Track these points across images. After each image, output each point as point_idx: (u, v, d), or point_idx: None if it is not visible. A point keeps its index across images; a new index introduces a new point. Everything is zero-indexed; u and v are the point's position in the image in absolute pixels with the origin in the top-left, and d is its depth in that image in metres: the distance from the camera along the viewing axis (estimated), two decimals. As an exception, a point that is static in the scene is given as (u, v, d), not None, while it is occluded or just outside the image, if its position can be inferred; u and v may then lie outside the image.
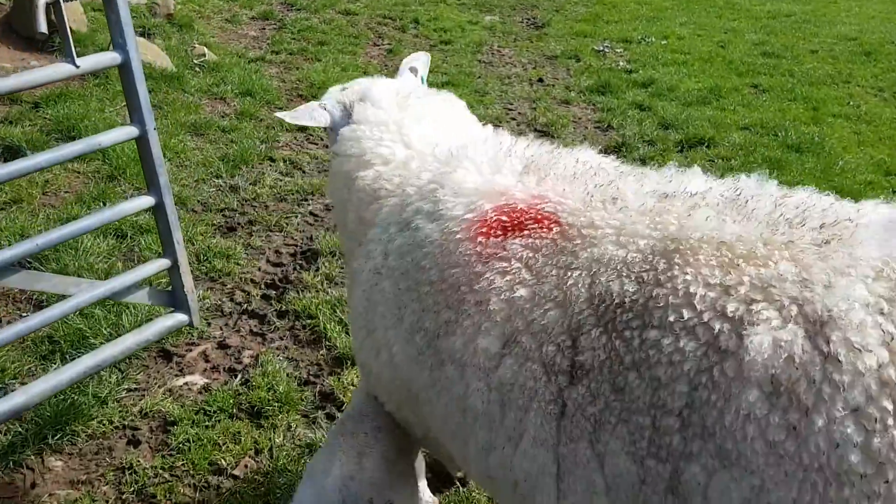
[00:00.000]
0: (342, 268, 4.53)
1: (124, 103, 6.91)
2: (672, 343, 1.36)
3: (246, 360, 3.71)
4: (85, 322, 3.74)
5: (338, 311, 4.03)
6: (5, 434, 3.17)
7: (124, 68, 2.71)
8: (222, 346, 3.81)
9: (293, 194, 5.58)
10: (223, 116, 6.98)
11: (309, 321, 4.01)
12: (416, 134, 2.29)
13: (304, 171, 6.06)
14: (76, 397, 3.32)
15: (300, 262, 4.66)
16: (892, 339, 1.20)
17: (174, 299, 3.16)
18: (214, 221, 5.11)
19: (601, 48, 10.13)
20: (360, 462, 2.13)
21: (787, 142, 7.00)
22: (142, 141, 2.83)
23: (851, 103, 8.41)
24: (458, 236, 1.77)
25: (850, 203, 1.49)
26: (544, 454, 1.55)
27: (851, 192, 6.04)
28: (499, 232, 1.71)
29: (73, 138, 6.17)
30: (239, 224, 5.10)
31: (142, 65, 2.74)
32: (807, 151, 6.82)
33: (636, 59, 9.71)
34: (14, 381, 3.51)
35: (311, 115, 2.53)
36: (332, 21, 10.34)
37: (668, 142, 6.90)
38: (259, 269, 4.56)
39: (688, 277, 1.39)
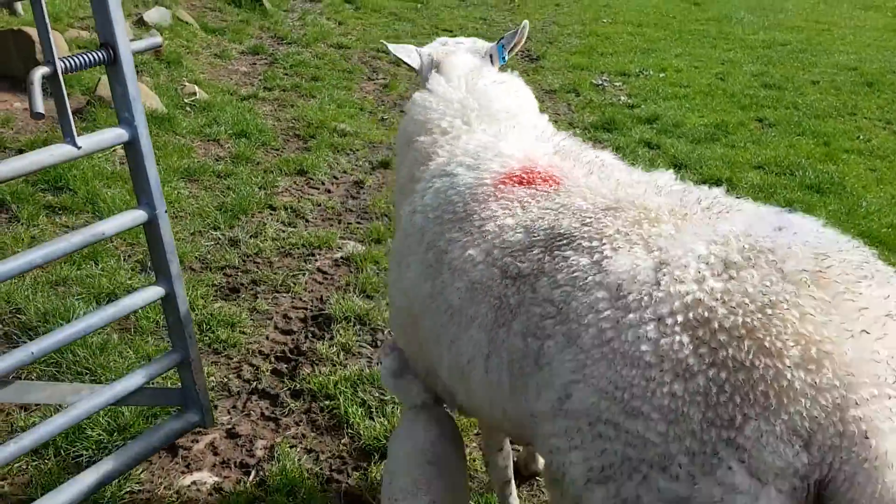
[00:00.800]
0: (359, 335, 4.19)
1: (114, 149, 6.57)
2: (576, 258, 1.86)
3: (259, 453, 3.34)
4: (79, 411, 3.36)
5: (359, 390, 3.68)
6: (-10, 551, 2.78)
7: (131, 147, 2.38)
8: (231, 434, 3.44)
9: (298, 248, 5.24)
10: (218, 160, 6.64)
11: (327, 402, 3.65)
12: (475, 115, 2.71)
13: (307, 221, 5.72)
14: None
15: (312, 328, 4.31)
16: (704, 279, 1.62)
17: (184, 397, 2.80)
18: (215, 282, 4.75)
19: (600, 82, 9.92)
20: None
21: (806, 182, 6.77)
22: (151, 226, 2.49)
23: (861, 137, 8.22)
24: (486, 181, 2.28)
25: (760, 205, 1.96)
26: (483, 336, 2.04)
27: (879, 237, 5.80)
28: (515, 183, 2.24)
29: (60, 189, 5.80)
30: (242, 284, 4.74)
31: (151, 142, 2.41)
32: (828, 192, 6.59)
33: (636, 93, 9.50)
34: (3, 483, 3.13)
35: (409, 54, 3.07)
36: (325, 55, 10.06)
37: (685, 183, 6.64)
38: (267, 339, 4.19)
39: (608, 223, 1.90)
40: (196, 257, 5.03)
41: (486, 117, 2.69)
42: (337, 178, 6.57)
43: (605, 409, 1.63)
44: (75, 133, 2.24)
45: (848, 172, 7.03)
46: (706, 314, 1.56)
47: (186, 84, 8.12)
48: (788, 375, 1.46)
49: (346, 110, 8.22)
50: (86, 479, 2.45)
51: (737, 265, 1.64)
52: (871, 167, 7.34)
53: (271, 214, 5.77)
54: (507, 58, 3.11)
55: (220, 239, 5.31)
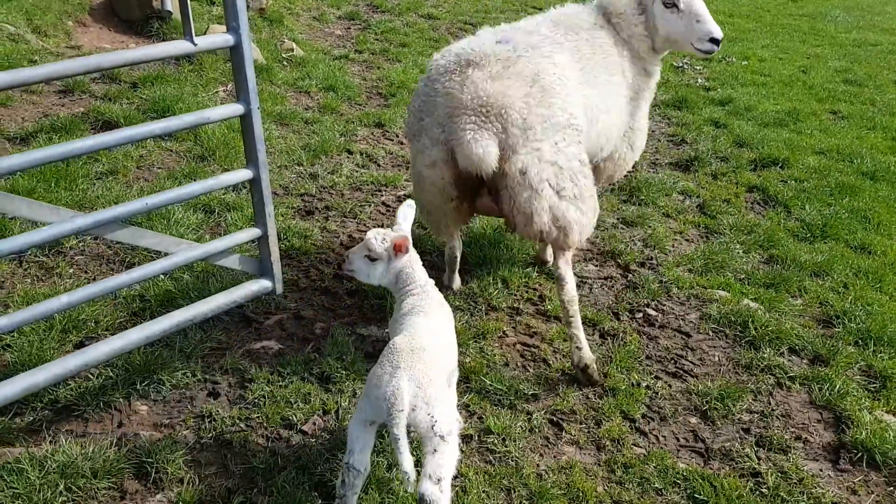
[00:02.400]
0: (411, 255, 4.77)
1: (216, 90, 7.35)
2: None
3: (318, 332, 3.96)
4: (174, 285, 4.05)
5: (405, 293, 4.25)
6: (97, 377, 3.47)
7: (236, 50, 2.98)
8: (297, 317, 4.07)
9: (368, 185, 5.84)
10: (307, 109, 7.32)
11: (377, 301, 4.24)
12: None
13: (378, 165, 6.32)
14: (163, 350, 3.61)
15: (372, 247, 4.91)
16: (445, 57, 3.70)
17: (261, 267, 3.42)
18: (294, 205, 5.40)
19: (680, 64, 10.15)
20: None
21: (863, 168, 6.93)
22: (246, 118, 3.09)
23: (934, 135, 8.23)
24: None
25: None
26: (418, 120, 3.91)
27: (926, 223, 5.97)
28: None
29: (167, 118, 6.56)
30: (316, 209, 5.38)
31: (252, 49, 3.00)
32: (881, 179, 6.75)
33: (715, 77, 9.71)
34: (106, 333, 3.83)
35: None
36: (415, 24, 10.63)
37: (742, 159, 6.91)
38: (333, 251, 4.81)
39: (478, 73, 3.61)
40: (280, 185, 5.69)
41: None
42: (412, 132, 7.14)
43: (417, 117, 3.73)
44: (193, 33, 2.85)
45: (908, 164, 7.14)
46: (432, 73, 3.66)
47: (285, 41, 8.83)
48: (439, 99, 3.54)
49: (429, 75, 8.78)
50: (177, 316, 3.09)
51: (460, 55, 3.61)
52: (936, 162, 7.40)
53: (348, 157, 6.39)
54: None
55: (302, 173, 5.96)
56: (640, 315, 4.37)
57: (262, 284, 3.39)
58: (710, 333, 4.25)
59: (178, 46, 2.86)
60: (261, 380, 3.51)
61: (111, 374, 3.49)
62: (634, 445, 3.36)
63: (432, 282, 3.13)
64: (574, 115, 3.64)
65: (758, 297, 4.56)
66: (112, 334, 3.77)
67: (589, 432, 3.43)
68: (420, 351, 2.66)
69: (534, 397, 3.59)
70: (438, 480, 2.48)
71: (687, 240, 5.47)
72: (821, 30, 13.26)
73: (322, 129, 6.80)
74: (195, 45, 2.86)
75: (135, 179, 5.53)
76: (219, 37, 2.96)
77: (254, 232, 3.31)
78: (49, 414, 3.29)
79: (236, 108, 3.07)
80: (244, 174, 3.19)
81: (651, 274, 4.85)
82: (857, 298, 4.66)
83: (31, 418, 3.26)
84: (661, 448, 3.36)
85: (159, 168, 5.79)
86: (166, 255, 3.13)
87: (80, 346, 3.72)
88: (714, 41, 4.14)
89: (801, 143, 7.52)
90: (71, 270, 4.28)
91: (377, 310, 4.20)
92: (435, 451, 2.51)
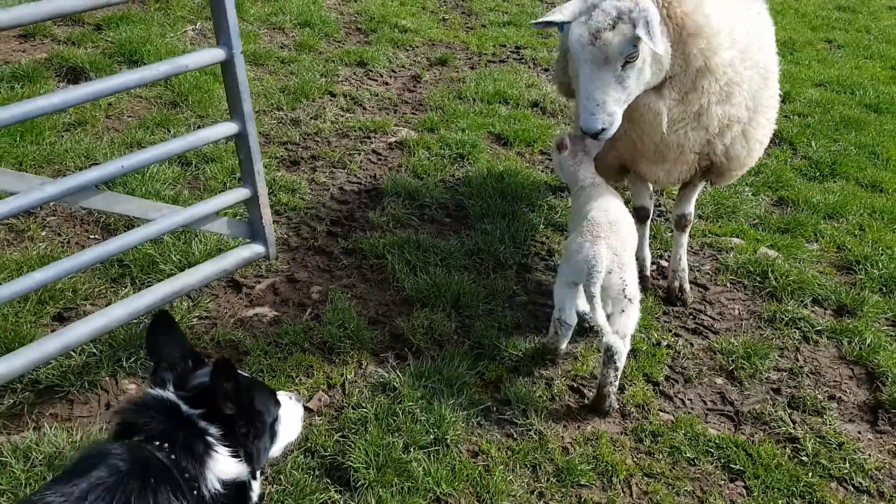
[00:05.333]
0: (407, 208, 4.47)
1: (184, 30, 6.84)
2: None
3: (315, 296, 3.69)
4: (155, 248, 3.73)
5: (406, 252, 3.97)
6: (80, 355, 3.19)
7: (215, -13, 2.61)
8: (291, 280, 3.79)
9: (355, 131, 5.49)
10: (282, 47, 6.86)
11: (376, 261, 3.96)
12: None
13: (364, 108, 5.95)
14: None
15: (365, 200, 4.60)
16: None
17: (251, 230, 3.12)
18: (277, 154, 5.05)
19: None
20: None
21: (865, 101, 6.70)
22: (228, 65, 2.74)
23: (932, 64, 8.00)
24: None
25: None
26: None
27: (932, 159, 5.78)
28: None
29: (135, 62, 6.10)
30: (302, 158, 5.04)
31: (233, -15, 2.64)
32: (885, 112, 6.54)
33: (705, 7, 9.32)
34: (85, 303, 3.53)
35: None
36: (393, -47, 10.03)
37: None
38: (324, 206, 4.50)
39: None
40: (260, 132, 5.31)
41: None
42: (395, 72, 6.74)
43: None
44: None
45: (911, 95, 6.92)
46: None
47: (256, -27, 8.26)
48: None
49: (409, 8, 8.30)
50: (161, 290, 2.80)
51: None
52: (937, 92, 7.19)
53: (331, 100, 6.00)
54: None
55: (282, 118, 5.58)
56: (654, 267, 4.14)
57: (254, 250, 3.10)
58: (728, 285, 4.04)
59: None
60: (257, 352, 3.23)
61: (94, 350, 3.20)
62: (661, 411, 3.18)
63: (601, 180, 3.44)
64: None
65: (774, 244, 4.36)
66: (91, 304, 3.49)
67: (613, 399, 3.23)
68: (616, 224, 3.06)
69: (551, 362, 3.37)
70: (624, 336, 2.99)
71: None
72: (809, -46, 12.83)
73: (300, 69, 6.38)
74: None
75: (104, 130, 5.13)
76: (196, -27, 2.59)
77: (242, 192, 3.00)
78: (30, 396, 3.02)
79: (216, 54, 2.72)
80: (228, 128, 2.86)
81: (661, 222, 4.62)
82: (875, 241, 4.48)
83: (11, 401, 2.98)
84: (689, 413, 3.18)
85: (129, 117, 5.38)
86: (145, 221, 2.82)
87: (58, 317, 3.43)
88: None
89: (800, 76, 7.26)
90: (43, 233, 3.94)
91: (377, 270, 3.93)
92: (623, 311, 2.98)
